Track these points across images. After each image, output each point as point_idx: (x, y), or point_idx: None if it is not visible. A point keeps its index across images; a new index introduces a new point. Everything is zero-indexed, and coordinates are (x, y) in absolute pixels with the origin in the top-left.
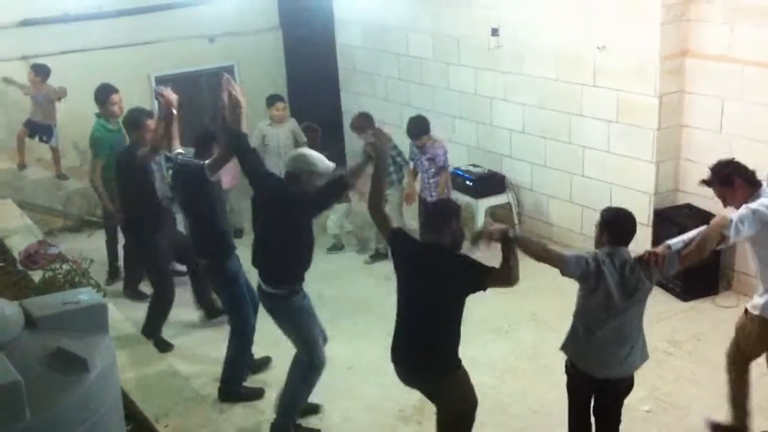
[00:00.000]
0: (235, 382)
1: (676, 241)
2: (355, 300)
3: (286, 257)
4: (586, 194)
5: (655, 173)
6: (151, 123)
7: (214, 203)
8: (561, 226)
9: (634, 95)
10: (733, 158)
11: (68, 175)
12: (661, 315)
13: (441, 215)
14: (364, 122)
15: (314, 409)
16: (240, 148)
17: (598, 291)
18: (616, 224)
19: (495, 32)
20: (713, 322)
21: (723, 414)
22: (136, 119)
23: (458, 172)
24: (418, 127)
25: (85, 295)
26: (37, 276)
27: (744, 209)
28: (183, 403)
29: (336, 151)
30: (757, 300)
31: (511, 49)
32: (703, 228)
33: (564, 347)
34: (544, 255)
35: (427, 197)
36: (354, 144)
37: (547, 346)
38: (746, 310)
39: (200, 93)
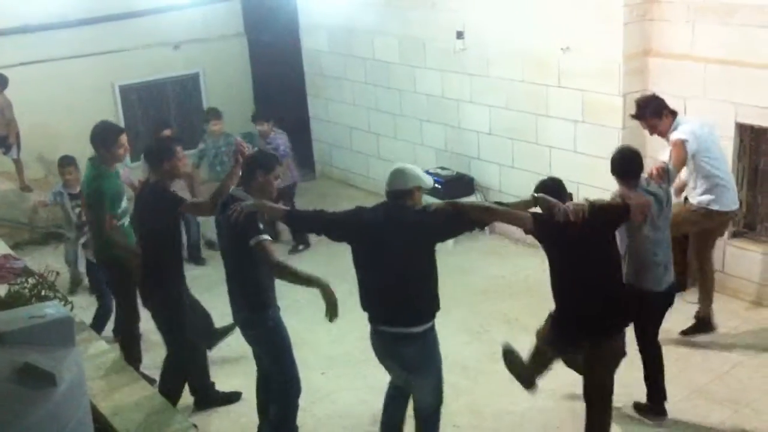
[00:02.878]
0: None
1: (665, 157)
2: None
3: (424, 284)
4: None
5: None
6: (181, 150)
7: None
8: None
9: (599, 95)
10: (653, 93)
11: (32, 187)
12: None
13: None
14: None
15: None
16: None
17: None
18: (618, 166)
19: (460, 35)
20: (684, 317)
21: (696, 411)
22: (165, 149)
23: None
24: (264, 111)
25: (52, 309)
26: (2, 290)
27: (680, 133)
28: (154, 415)
29: (304, 157)
30: (697, 198)
31: (476, 51)
32: (664, 155)
33: (640, 281)
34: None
35: None
36: (324, 155)
37: (519, 346)
38: (686, 200)
39: (166, 101)
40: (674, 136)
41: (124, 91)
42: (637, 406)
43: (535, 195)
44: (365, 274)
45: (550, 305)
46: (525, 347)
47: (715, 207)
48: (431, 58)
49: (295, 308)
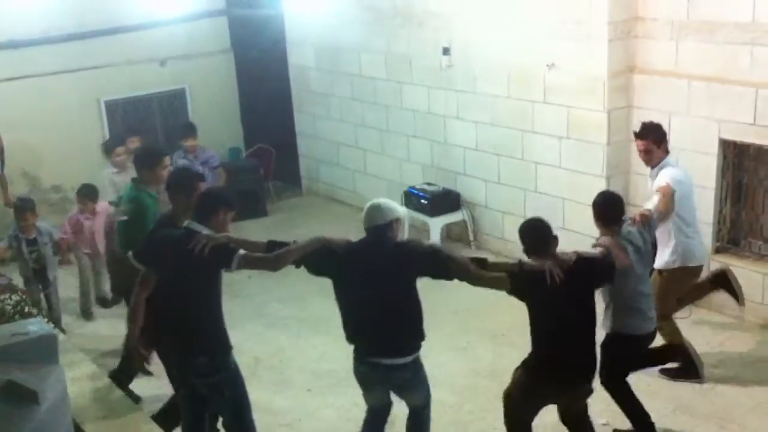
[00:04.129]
0: None
1: (650, 205)
2: (313, 321)
3: (412, 314)
4: (540, 210)
5: (605, 187)
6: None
7: (220, 290)
8: (516, 243)
9: (584, 111)
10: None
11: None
12: None
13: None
14: None
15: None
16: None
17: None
18: (602, 211)
19: (446, 51)
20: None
21: (681, 427)
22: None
23: (413, 190)
24: (188, 128)
25: (35, 326)
26: None
27: (670, 180)
28: None
29: (290, 173)
30: (669, 257)
31: (462, 67)
32: (656, 196)
33: (624, 328)
34: None
35: None
36: (311, 171)
37: (505, 362)
38: (660, 272)
39: (152, 117)
40: (663, 181)
41: (109, 107)
42: None
43: (522, 261)
44: (350, 306)
45: None
46: (512, 362)
47: (689, 264)
48: (418, 75)
49: (281, 325)
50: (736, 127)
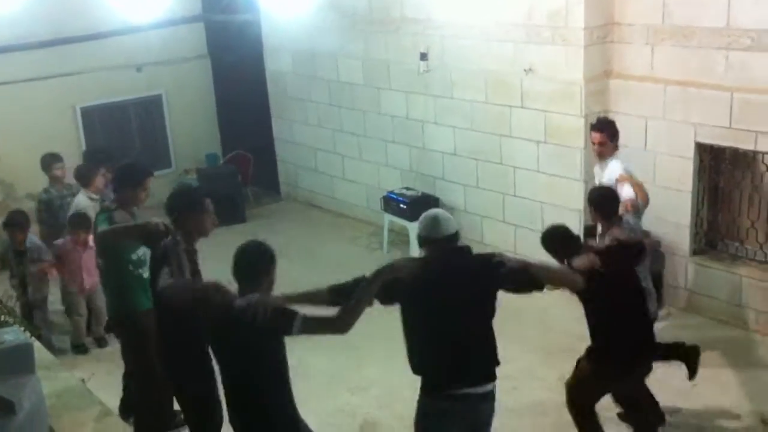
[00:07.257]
0: None
1: (627, 194)
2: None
3: (493, 334)
4: (519, 214)
5: (583, 191)
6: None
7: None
8: (495, 246)
9: (561, 116)
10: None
11: None
12: None
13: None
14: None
15: None
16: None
17: None
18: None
19: (424, 57)
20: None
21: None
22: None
23: (392, 195)
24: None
25: (11, 335)
26: None
27: (623, 171)
28: None
29: (269, 179)
30: None
31: (440, 73)
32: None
33: None
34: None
35: None
36: (289, 176)
37: None
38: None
39: (128, 123)
40: (619, 171)
41: (85, 114)
42: None
43: (574, 266)
44: (426, 330)
45: (517, 331)
46: (500, 369)
47: None
48: (395, 80)
49: None
50: (712, 130)
